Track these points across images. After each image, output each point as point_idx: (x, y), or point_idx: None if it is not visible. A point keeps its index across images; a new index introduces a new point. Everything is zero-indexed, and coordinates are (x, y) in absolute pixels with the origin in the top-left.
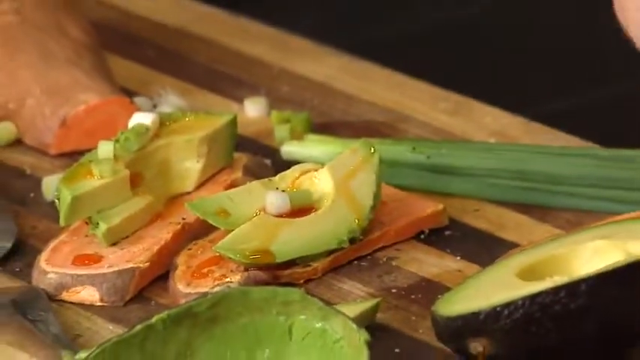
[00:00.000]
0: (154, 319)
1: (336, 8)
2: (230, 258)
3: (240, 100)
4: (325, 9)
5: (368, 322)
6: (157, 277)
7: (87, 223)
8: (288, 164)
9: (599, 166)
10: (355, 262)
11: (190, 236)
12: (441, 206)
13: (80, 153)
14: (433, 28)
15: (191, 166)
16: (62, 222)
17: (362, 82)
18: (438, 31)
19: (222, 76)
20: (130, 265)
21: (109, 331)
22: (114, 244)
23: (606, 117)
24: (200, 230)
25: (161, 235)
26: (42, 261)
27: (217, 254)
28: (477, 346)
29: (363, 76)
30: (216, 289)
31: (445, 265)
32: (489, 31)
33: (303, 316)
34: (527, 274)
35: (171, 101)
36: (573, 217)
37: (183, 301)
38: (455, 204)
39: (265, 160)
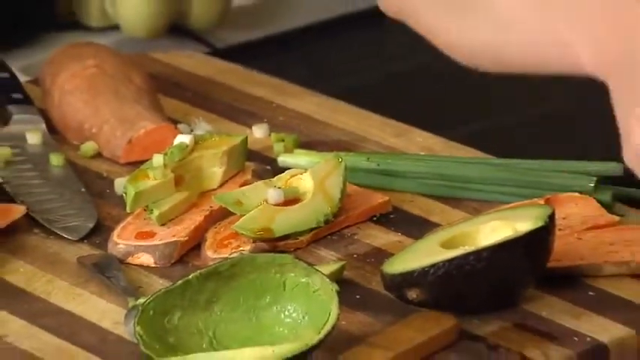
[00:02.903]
0: (190, 276)
1: (315, 66)
2: (243, 234)
3: (249, 126)
4: (308, 66)
5: (337, 278)
6: (193, 247)
7: (145, 210)
8: (282, 170)
9: (495, 170)
10: (329, 236)
11: (216, 219)
12: (386, 198)
13: (141, 162)
14: (382, 79)
15: (216, 171)
16: (128, 209)
17: (333, 114)
18: (384, 81)
19: (237, 110)
20: (175, 239)
21: (159, 284)
22: (163, 225)
23: (503, 137)
24: (223, 215)
25: (196, 218)
26: (114, 236)
27: (234, 231)
28: (412, 294)
29: (334, 110)
30: (234, 255)
31: (390, 238)
32: (423, 80)
33: (292, 274)
34: (447, 244)
35: (202, 127)
36: (478, 205)
37: (211, 263)
38: (396, 196)
39: (267, 167)
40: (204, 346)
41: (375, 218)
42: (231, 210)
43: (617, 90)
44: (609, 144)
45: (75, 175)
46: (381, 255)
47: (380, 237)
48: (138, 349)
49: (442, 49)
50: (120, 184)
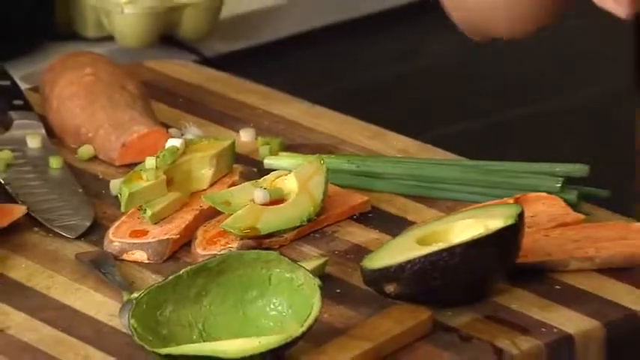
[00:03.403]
0: (181, 272)
1: (298, 74)
2: (231, 232)
3: (237, 130)
4: (292, 74)
5: (319, 273)
6: (184, 244)
7: (139, 209)
8: (268, 171)
9: (465, 172)
10: (311, 234)
11: (205, 218)
12: (365, 198)
13: (134, 165)
14: (360, 86)
15: (205, 173)
16: (123, 209)
17: (315, 119)
18: (362, 88)
19: (225, 115)
20: (167, 236)
21: (152, 279)
22: (156, 223)
23: (475, 140)
24: (212, 214)
25: (186, 217)
26: (110, 234)
27: (223, 230)
28: (389, 288)
29: (316, 116)
30: (222, 252)
31: (369, 236)
32: (398, 88)
33: (277, 270)
34: (422, 241)
35: (192, 131)
36: (451, 204)
37: (200, 259)
38: (375, 196)
39: (253, 169)
40: (194, 337)
41: (354, 217)
42: (220, 209)
43: None
44: (575, 147)
45: (72, 177)
46: (360, 251)
47: (359, 235)
48: (132, 340)
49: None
50: (115, 185)
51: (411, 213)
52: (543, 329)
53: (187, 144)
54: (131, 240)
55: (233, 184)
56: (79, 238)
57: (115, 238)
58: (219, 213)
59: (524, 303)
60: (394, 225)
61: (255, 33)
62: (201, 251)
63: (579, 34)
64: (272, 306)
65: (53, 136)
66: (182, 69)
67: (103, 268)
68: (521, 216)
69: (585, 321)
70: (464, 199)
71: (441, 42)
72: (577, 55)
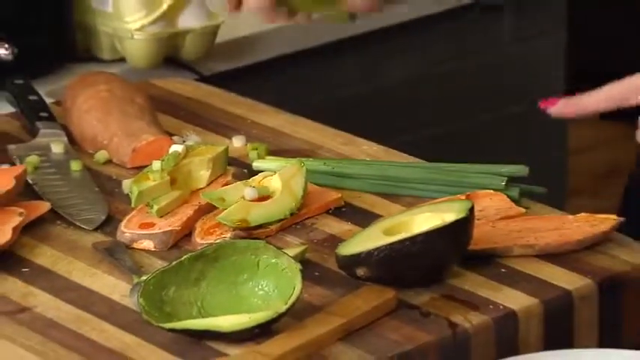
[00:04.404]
0: (183, 258)
1: (281, 90)
2: (225, 224)
3: (230, 138)
4: (277, 90)
5: (300, 259)
6: (185, 234)
7: (147, 205)
8: (256, 172)
9: (424, 172)
10: (293, 225)
11: (203, 212)
12: (339, 195)
13: (143, 167)
14: (334, 100)
15: (203, 174)
16: (133, 205)
17: (296, 128)
18: (336, 102)
19: (220, 125)
20: (170, 228)
21: (158, 264)
22: (161, 217)
23: (432, 146)
24: (209, 209)
25: (187, 211)
26: (122, 226)
27: (218, 222)
28: (360, 272)
29: (296, 125)
30: (217, 241)
31: (342, 227)
32: (366, 102)
33: (265, 256)
34: (388, 231)
35: (192, 139)
36: (413, 200)
37: (199, 247)
38: (347, 194)
39: (244, 170)
40: (193, 314)
41: (330, 211)
42: (216, 205)
43: None
44: (517, 151)
45: (90, 178)
46: (335, 240)
47: (334, 226)
48: (141, 316)
49: None
50: (126, 184)
51: (378, 208)
52: (491, 306)
53: (188, 149)
54: (140, 231)
55: (227, 184)
56: (95, 229)
57: (127, 230)
58: (214, 208)
59: (474, 284)
60: (364, 218)
61: (247, 55)
62: (200, 240)
63: (516, 57)
64: (260, 287)
65: (74, 143)
66: (183, 86)
67: (116, 255)
68: (471, 210)
69: (526, 299)
70: (423, 196)
71: (396, 65)
72: (514, 72)
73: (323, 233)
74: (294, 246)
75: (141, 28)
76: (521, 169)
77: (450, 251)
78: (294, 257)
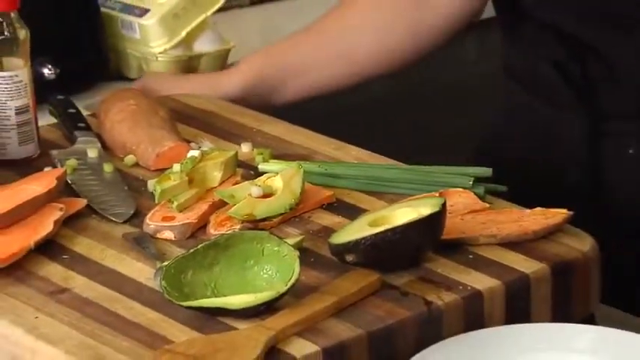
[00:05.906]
0: (199, 246)
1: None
2: (235, 217)
3: (239, 144)
4: None
5: (298, 247)
6: (201, 226)
7: (168, 201)
8: (261, 174)
9: (405, 173)
10: (292, 219)
11: (216, 207)
12: (331, 192)
13: (165, 169)
14: (327, 111)
15: (216, 175)
16: (156, 201)
17: (295, 135)
18: (329, 112)
19: (230, 133)
20: (188, 221)
21: (178, 252)
22: (181, 211)
23: (411, 151)
24: (221, 205)
25: (203, 207)
26: (147, 219)
27: (229, 216)
28: (349, 258)
29: (295, 133)
30: (228, 232)
31: (334, 219)
32: (356, 112)
33: (268, 245)
34: (373, 224)
35: (207, 145)
36: (394, 197)
37: (213, 238)
38: (338, 191)
39: (251, 172)
40: (208, 294)
41: (323, 206)
42: (227, 201)
43: None
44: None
45: (120, 178)
46: (328, 231)
47: (327, 219)
48: (163, 296)
49: None
50: (151, 184)
51: (364, 203)
52: (461, 287)
53: (203, 154)
54: (163, 223)
55: (236, 183)
56: (124, 222)
57: (151, 222)
58: (226, 203)
59: (446, 268)
60: (352, 212)
61: None
62: (213, 231)
63: (475, 77)
64: (264, 271)
65: (106, 149)
66: (199, 100)
67: (142, 244)
68: (444, 205)
69: (490, 281)
70: (403, 193)
71: (377, 82)
72: (472, 88)
73: (318, 225)
74: (293, 236)
75: (164, 52)
76: (485, 171)
77: (425, 240)
78: (294, 246)
